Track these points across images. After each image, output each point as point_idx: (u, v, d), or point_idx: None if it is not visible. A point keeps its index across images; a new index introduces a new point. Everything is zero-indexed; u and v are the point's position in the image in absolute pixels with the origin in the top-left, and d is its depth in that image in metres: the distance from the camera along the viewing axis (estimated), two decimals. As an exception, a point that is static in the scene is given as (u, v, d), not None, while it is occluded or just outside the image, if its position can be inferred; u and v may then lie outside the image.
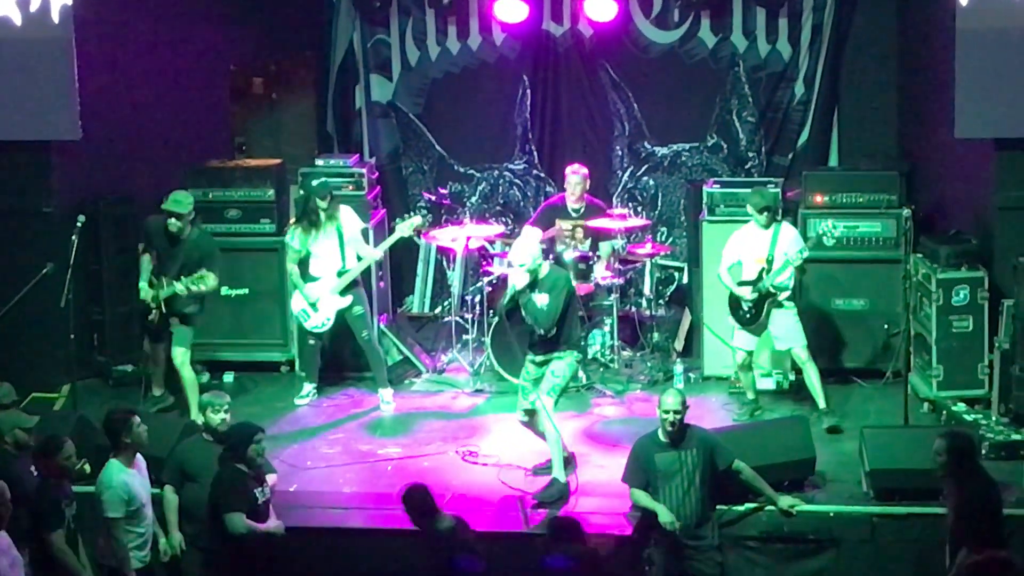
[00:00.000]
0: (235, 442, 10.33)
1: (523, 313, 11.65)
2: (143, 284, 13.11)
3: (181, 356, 13.16)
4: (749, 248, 12.97)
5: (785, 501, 11.07)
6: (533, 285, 11.52)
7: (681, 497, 10.74)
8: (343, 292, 13.62)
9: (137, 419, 10.37)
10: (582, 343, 12.03)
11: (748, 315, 12.93)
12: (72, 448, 10.12)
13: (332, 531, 11.07)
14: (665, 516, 10.67)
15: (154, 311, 13.08)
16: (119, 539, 10.14)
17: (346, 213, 13.75)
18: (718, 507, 11.00)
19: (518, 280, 11.51)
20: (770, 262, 12.81)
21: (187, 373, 13.16)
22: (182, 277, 12.92)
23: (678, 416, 10.75)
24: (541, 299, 11.49)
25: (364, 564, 11.06)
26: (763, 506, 11.09)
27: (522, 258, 11.52)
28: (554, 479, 11.53)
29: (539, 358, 11.73)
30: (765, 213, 12.90)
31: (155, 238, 13.22)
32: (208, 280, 12.92)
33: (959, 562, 9.53)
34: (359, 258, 13.72)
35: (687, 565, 10.76)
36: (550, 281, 11.55)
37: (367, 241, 14.07)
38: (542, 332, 11.55)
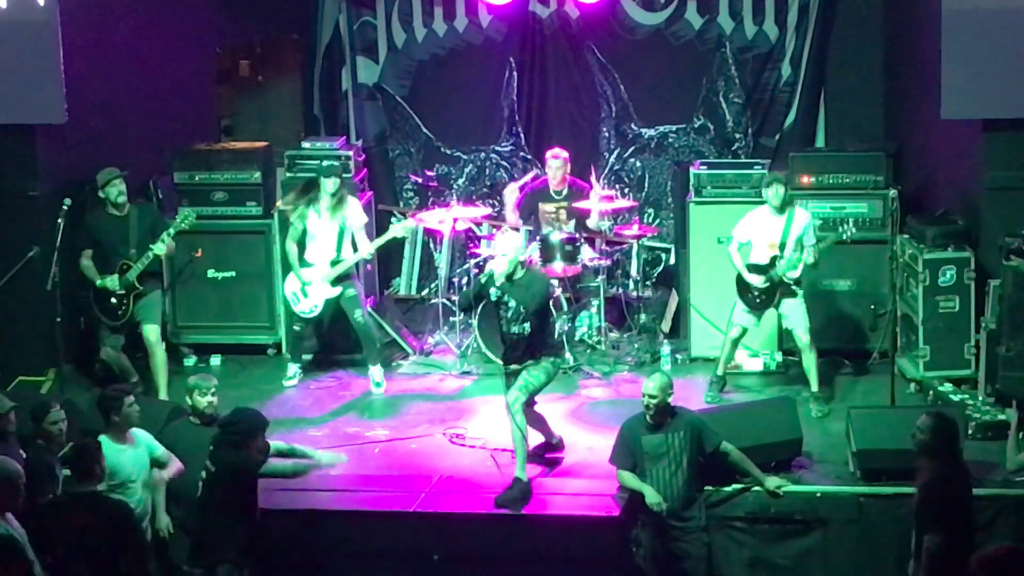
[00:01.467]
0: (246, 430, 10.33)
1: (500, 304, 11.50)
2: (102, 281, 13.07)
3: (155, 333, 13.16)
4: (762, 231, 12.89)
5: (772, 482, 11.08)
6: (510, 279, 11.38)
7: (668, 479, 10.74)
8: (334, 283, 13.59)
9: (129, 399, 10.48)
10: (559, 350, 11.93)
11: (758, 299, 12.89)
12: (60, 415, 10.23)
13: (320, 513, 11.06)
14: (652, 497, 10.67)
15: (125, 304, 13.05)
16: None
17: (352, 205, 13.70)
18: (704, 488, 11.02)
19: (498, 266, 11.38)
20: (782, 247, 12.77)
21: (160, 353, 13.18)
22: (164, 236, 12.95)
23: (653, 400, 10.76)
24: (515, 300, 11.37)
25: (352, 546, 11.07)
26: (750, 487, 11.10)
27: (506, 248, 11.36)
28: (516, 479, 11.33)
29: (513, 368, 11.53)
30: (782, 203, 12.84)
31: (102, 229, 13.17)
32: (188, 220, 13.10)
33: (927, 546, 9.54)
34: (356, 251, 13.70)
35: (674, 546, 10.78)
36: (527, 279, 11.42)
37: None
38: (516, 329, 11.43)
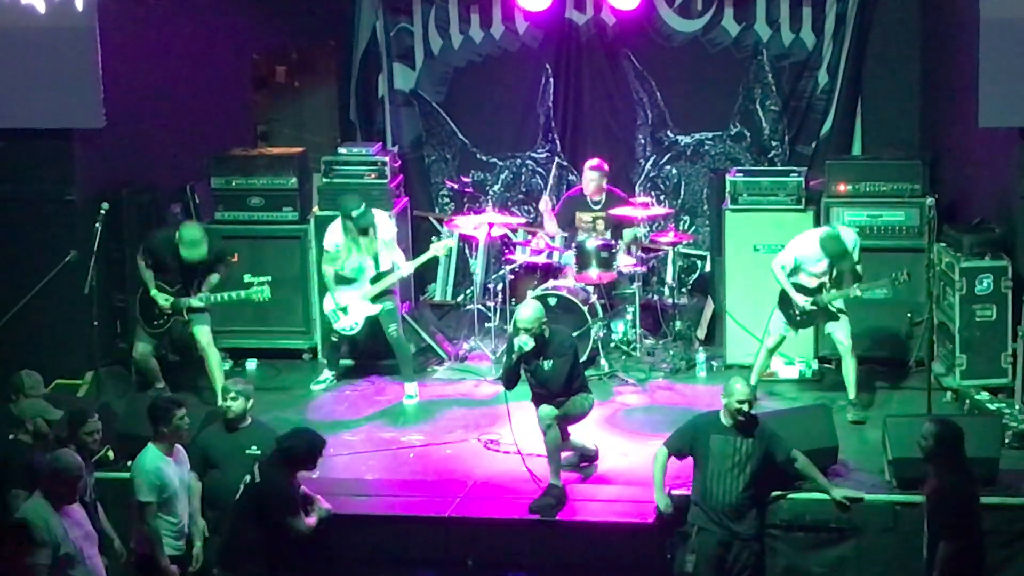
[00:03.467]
0: (303, 454, 10.39)
1: (531, 376, 11.53)
2: (156, 293, 13.09)
3: (206, 336, 13.25)
4: (808, 264, 12.79)
5: (839, 492, 11.00)
6: (539, 351, 11.37)
7: (729, 483, 10.56)
8: (374, 299, 13.60)
9: (181, 411, 10.44)
10: (587, 386, 11.87)
11: (799, 318, 12.85)
12: (96, 425, 10.24)
13: (355, 518, 11.08)
14: (660, 500, 10.73)
15: (166, 320, 13.14)
16: (151, 525, 10.21)
17: (380, 219, 13.72)
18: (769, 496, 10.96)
19: (525, 340, 11.34)
20: (830, 277, 12.74)
21: (214, 354, 13.26)
22: (232, 294, 13.19)
23: (749, 405, 10.64)
24: (547, 364, 11.38)
25: (386, 550, 11.09)
26: (785, 495, 11.05)
27: (525, 321, 11.35)
28: (551, 485, 11.31)
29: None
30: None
31: (166, 255, 13.16)
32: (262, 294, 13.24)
33: (944, 553, 9.59)
34: (394, 265, 13.69)
35: (725, 552, 10.62)
36: (555, 344, 11.41)
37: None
38: (551, 387, 11.42)
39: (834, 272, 12.74)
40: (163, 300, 13.08)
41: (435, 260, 14.80)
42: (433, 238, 14.28)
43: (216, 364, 13.25)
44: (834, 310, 12.78)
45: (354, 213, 13.49)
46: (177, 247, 13.06)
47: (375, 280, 13.59)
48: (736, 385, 10.67)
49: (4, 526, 9.40)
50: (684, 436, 10.85)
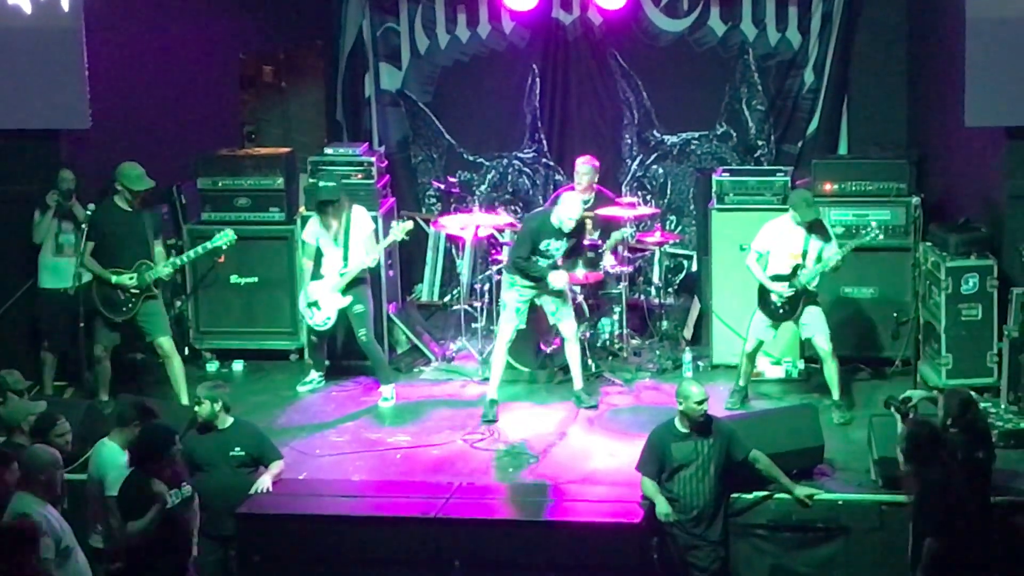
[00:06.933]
0: (146, 455, 9.67)
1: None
2: (119, 279, 12.88)
3: (169, 343, 13.13)
4: (783, 241, 12.82)
5: (801, 490, 11.04)
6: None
7: (695, 486, 10.69)
8: (344, 291, 13.57)
9: (63, 425, 10.17)
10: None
11: (781, 310, 12.84)
12: (66, 427, 10.12)
13: (341, 519, 11.07)
14: (662, 508, 10.69)
15: (133, 302, 12.95)
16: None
17: (358, 214, 13.70)
18: (728, 497, 10.98)
19: None
20: (804, 255, 12.74)
21: (177, 361, 13.14)
22: (198, 248, 13.24)
23: (704, 406, 10.71)
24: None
25: (373, 552, 11.07)
26: (772, 494, 11.07)
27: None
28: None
29: None
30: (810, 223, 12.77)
31: (114, 222, 12.99)
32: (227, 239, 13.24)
33: (925, 551, 9.58)
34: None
35: (689, 555, 10.72)
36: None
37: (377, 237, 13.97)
38: None
39: (807, 253, 12.73)
40: (129, 280, 12.88)
41: (404, 245, 14.64)
42: (393, 222, 14.18)
43: (179, 371, 13.10)
44: (814, 292, 12.76)
45: (321, 184, 13.52)
46: (120, 211, 12.95)
47: (343, 272, 13.55)
48: (691, 388, 10.77)
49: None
50: (652, 456, 10.91)
